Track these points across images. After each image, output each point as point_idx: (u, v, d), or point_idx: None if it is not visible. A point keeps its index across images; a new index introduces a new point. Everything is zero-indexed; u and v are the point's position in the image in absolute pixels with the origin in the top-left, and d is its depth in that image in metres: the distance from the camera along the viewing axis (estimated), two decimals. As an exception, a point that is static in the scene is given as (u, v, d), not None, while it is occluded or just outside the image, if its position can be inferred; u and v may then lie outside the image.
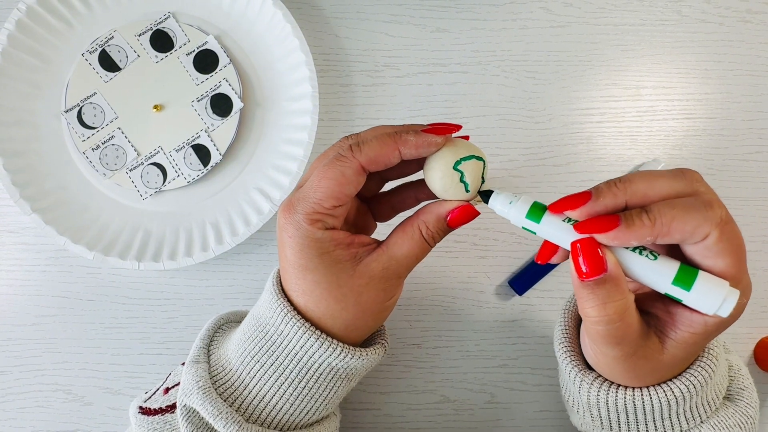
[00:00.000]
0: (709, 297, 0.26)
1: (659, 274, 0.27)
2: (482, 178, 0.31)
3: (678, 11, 0.51)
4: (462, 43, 0.50)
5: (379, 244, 0.33)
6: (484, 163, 0.31)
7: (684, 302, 0.27)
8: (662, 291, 0.27)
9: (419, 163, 0.33)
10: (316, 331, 0.32)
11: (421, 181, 0.35)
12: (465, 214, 0.32)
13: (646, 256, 0.27)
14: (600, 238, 0.27)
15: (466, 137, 0.33)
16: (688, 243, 0.27)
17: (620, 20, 0.51)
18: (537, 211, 0.29)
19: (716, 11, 0.51)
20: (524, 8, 0.51)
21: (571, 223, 0.28)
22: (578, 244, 0.27)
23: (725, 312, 0.26)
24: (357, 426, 0.48)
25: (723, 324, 0.28)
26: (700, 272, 0.27)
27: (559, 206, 0.28)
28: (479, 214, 0.32)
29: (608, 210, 0.27)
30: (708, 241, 0.26)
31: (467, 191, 0.31)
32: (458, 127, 0.32)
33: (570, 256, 0.28)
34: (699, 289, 0.27)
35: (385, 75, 0.50)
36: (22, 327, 0.49)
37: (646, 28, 0.51)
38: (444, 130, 0.31)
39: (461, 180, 0.31)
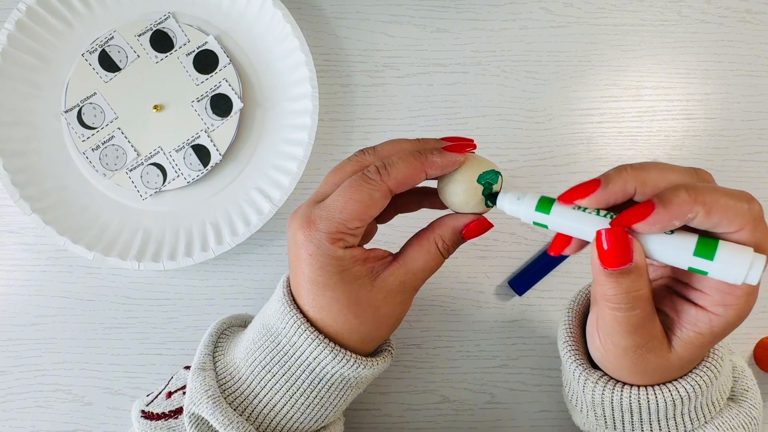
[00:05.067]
0: (734, 264, 0.25)
1: (679, 248, 0.26)
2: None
3: (678, 11, 0.51)
4: (462, 43, 0.50)
5: (393, 257, 0.33)
6: (501, 177, 0.32)
7: (709, 274, 0.26)
8: (684, 266, 0.26)
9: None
10: (330, 343, 0.32)
11: (427, 189, 0.36)
12: (480, 227, 0.32)
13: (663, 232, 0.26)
14: (639, 227, 0.26)
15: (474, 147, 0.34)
16: (716, 230, 0.26)
17: (620, 20, 0.51)
18: (546, 203, 0.29)
19: (716, 11, 0.51)
20: (524, 8, 0.51)
21: (585, 211, 0.27)
22: (603, 233, 0.26)
23: (754, 279, 0.25)
24: (357, 426, 0.48)
25: (728, 325, 0.28)
26: (721, 241, 0.25)
27: (569, 196, 0.28)
28: (493, 226, 0.32)
29: (618, 197, 0.27)
30: (741, 234, 0.25)
31: (487, 203, 0.32)
32: (473, 143, 0.32)
33: (593, 245, 0.27)
34: (723, 258, 0.25)
35: (385, 75, 0.50)
36: (22, 327, 0.49)
37: (646, 29, 0.51)
38: (463, 147, 0.32)
39: (483, 193, 0.31)
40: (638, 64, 0.51)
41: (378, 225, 0.37)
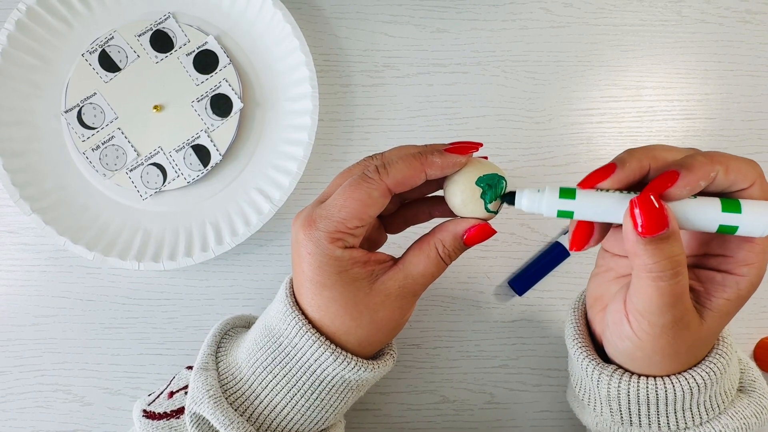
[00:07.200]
0: (761, 216, 0.27)
1: (708, 209, 0.27)
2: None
3: (678, 12, 0.51)
4: (462, 43, 0.50)
5: (395, 261, 0.33)
6: (505, 182, 0.31)
7: (740, 228, 0.27)
8: (714, 225, 0.28)
9: (438, 184, 0.33)
10: (331, 345, 0.32)
11: (436, 198, 0.35)
12: (482, 232, 0.32)
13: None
14: (670, 191, 0.27)
15: (485, 158, 0.33)
16: (733, 188, 0.28)
17: (620, 21, 0.51)
18: (569, 191, 0.29)
19: (716, 12, 0.51)
20: (524, 8, 0.51)
21: (611, 191, 0.28)
22: (636, 202, 0.27)
23: None
24: (357, 426, 0.48)
25: (752, 285, 0.29)
26: (741, 199, 0.28)
27: (590, 181, 0.29)
28: (495, 232, 0.32)
29: (636, 175, 0.28)
30: (753, 189, 0.28)
31: (486, 207, 0.31)
32: (480, 145, 0.32)
33: (627, 218, 0.27)
34: (750, 209, 0.27)
35: (385, 75, 0.50)
36: (22, 327, 0.49)
37: (646, 29, 0.51)
38: (467, 149, 0.31)
39: (482, 196, 0.31)
40: (638, 64, 0.51)
41: (388, 234, 0.37)
